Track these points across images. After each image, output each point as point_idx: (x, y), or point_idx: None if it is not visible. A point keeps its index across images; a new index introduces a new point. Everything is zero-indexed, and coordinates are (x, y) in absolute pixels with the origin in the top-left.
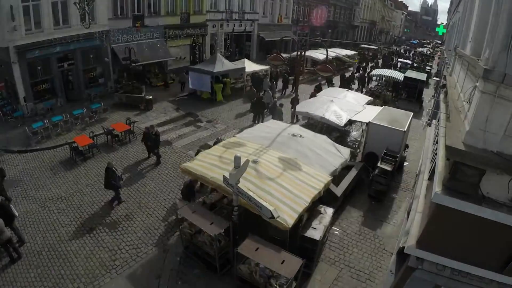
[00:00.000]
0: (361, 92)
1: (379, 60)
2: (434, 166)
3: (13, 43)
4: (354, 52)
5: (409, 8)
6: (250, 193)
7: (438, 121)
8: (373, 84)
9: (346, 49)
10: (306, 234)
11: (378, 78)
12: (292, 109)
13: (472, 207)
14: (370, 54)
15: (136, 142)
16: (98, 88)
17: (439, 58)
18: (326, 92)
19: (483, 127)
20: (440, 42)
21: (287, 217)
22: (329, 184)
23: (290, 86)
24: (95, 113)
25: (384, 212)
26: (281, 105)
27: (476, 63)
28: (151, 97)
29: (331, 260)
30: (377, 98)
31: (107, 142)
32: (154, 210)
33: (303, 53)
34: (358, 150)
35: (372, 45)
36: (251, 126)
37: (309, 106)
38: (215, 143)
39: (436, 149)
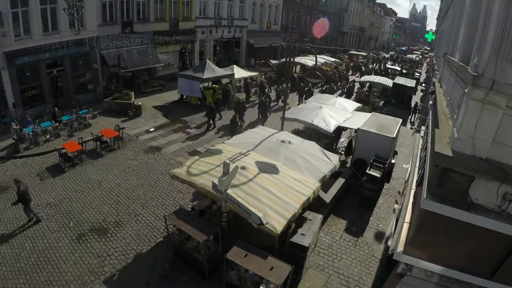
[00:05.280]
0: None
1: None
2: (423, 172)
3: (2, 49)
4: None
5: (398, 15)
6: (239, 200)
7: (427, 127)
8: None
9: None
10: (295, 241)
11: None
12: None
13: (461, 213)
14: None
15: (124, 148)
16: (87, 95)
17: (427, 64)
18: (315, 98)
19: (472, 133)
20: (428, 48)
21: (276, 223)
22: (318, 190)
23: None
24: (84, 119)
25: (373, 218)
26: None
27: (465, 69)
28: (140, 103)
29: (320, 267)
30: (366, 104)
31: (96, 149)
32: (143, 216)
33: (292, 59)
34: (347, 157)
35: (361, 52)
36: (240, 132)
37: (298, 112)
38: None
39: (425, 155)
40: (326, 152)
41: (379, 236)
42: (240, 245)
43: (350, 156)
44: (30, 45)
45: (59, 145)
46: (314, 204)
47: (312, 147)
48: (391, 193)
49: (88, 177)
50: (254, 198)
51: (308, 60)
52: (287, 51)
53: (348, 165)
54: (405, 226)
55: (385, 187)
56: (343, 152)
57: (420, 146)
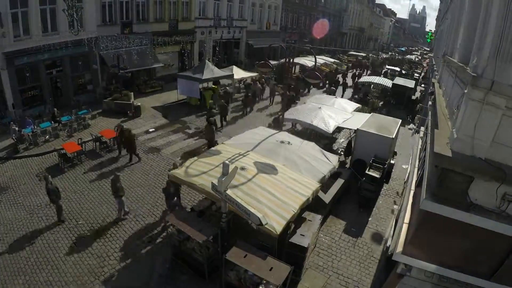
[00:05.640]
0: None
1: None
2: (423, 173)
3: (1, 50)
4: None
5: (398, 15)
6: (239, 200)
7: (426, 128)
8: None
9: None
10: (294, 241)
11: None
12: (281, 116)
13: (460, 214)
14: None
15: (124, 149)
16: (86, 95)
17: (427, 65)
18: (315, 99)
19: (471, 134)
20: (428, 49)
21: (276, 224)
22: (318, 191)
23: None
24: (83, 119)
25: (372, 219)
26: None
27: (464, 70)
28: (139, 104)
29: (320, 267)
30: (365, 105)
31: (95, 149)
32: (142, 216)
33: (291, 60)
34: (346, 157)
35: (361, 52)
36: (239, 133)
37: (298, 113)
38: None
39: (424, 156)
40: (326, 152)
41: (378, 236)
42: (239, 245)
43: (350, 157)
44: (29, 46)
45: (58, 146)
46: (313, 204)
47: (311, 147)
48: (390, 194)
49: (88, 177)
50: (254, 198)
51: (308, 61)
52: (287, 51)
53: (347, 165)
54: (405, 227)
55: (384, 187)
56: (342, 153)
57: (419, 147)
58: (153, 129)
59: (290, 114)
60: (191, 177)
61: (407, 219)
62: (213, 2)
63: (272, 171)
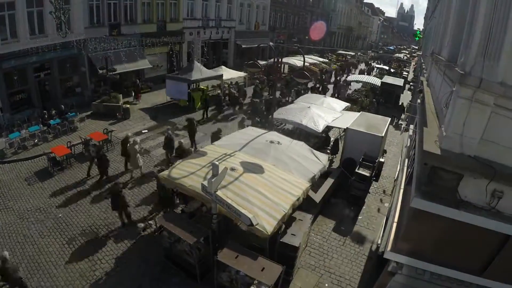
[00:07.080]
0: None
1: None
2: (412, 171)
3: None
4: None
5: (386, 14)
6: (229, 201)
7: (416, 126)
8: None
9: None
10: (285, 241)
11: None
12: (270, 116)
13: (450, 211)
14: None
15: (113, 151)
16: (75, 98)
17: (415, 63)
18: (304, 98)
19: (460, 131)
20: (416, 47)
21: (266, 224)
22: (308, 190)
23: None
24: (72, 122)
25: (363, 217)
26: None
27: (452, 68)
28: (128, 106)
29: (311, 266)
30: (355, 104)
31: (84, 152)
32: (133, 219)
33: (280, 60)
34: (332, 155)
35: (349, 51)
36: (229, 133)
37: (287, 112)
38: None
39: (414, 154)
40: (315, 152)
41: (369, 234)
42: (231, 246)
43: (335, 155)
44: (17, 49)
45: (47, 149)
46: (304, 204)
47: (301, 147)
48: (381, 192)
49: (77, 181)
50: (244, 199)
51: (296, 60)
52: (275, 51)
53: (334, 163)
54: (395, 225)
55: (375, 186)
56: (329, 151)
57: (408, 145)
58: (146, 130)
59: (279, 114)
60: (180, 178)
61: (397, 217)
62: (201, 3)
63: (262, 171)
